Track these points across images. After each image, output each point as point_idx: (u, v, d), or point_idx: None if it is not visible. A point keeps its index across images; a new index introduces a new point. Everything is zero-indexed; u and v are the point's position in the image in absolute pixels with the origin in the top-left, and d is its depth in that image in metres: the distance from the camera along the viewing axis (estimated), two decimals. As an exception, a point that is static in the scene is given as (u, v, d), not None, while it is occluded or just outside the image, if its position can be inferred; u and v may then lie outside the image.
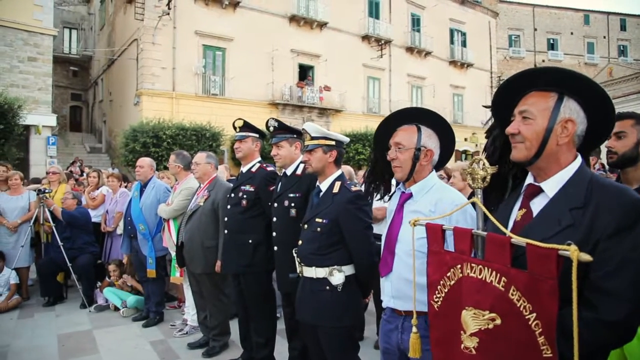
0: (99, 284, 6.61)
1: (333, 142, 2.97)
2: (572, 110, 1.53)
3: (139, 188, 5.59)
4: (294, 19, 24.62)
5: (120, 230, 6.67)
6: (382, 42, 28.10)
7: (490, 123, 1.96)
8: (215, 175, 4.71)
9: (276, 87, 23.74)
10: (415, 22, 30.38)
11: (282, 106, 23.82)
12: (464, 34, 33.22)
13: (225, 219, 4.00)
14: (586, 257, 1.16)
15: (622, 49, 49.05)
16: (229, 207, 4.00)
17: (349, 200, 2.79)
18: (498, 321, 1.39)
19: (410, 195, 2.28)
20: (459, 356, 1.52)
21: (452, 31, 32.60)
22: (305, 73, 25.48)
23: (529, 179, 1.64)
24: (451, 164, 4.34)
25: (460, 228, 1.61)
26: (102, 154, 26.80)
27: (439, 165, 2.42)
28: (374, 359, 4.07)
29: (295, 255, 2.95)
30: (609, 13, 49.49)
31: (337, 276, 2.74)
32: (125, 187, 7.56)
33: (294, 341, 3.66)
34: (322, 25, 25.51)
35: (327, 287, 2.76)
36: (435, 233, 1.70)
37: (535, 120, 1.54)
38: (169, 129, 18.28)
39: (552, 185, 1.53)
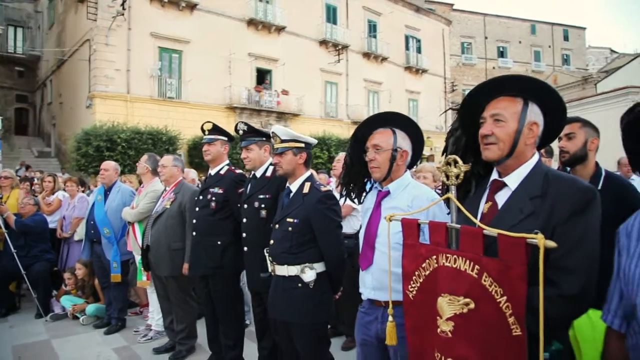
0: (54, 292, 6.37)
1: (302, 145, 3.07)
2: (536, 114, 1.71)
3: (102, 192, 5.45)
4: (252, 22, 24.53)
5: (77, 236, 6.47)
6: (340, 47, 28.40)
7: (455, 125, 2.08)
8: (181, 178, 4.68)
9: (234, 90, 23.54)
10: (372, 28, 30.90)
11: (239, 110, 23.63)
12: (418, 41, 34.03)
13: (194, 221, 4.00)
14: (551, 244, 1.31)
15: (565, 57, 51.56)
16: (197, 209, 4.01)
17: (319, 200, 2.90)
18: (472, 305, 1.51)
19: (388, 193, 2.42)
20: (436, 340, 1.63)
21: (407, 38, 33.36)
22: (263, 77, 25.42)
23: (494, 175, 1.79)
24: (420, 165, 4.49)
25: (435, 222, 1.74)
26: (52, 159, 25.79)
27: (410, 166, 2.57)
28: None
29: (267, 254, 3.02)
30: (553, 24, 51.96)
31: (309, 273, 2.84)
32: (83, 191, 7.32)
33: (263, 341, 3.70)
34: (280, 29, 25.56)
35: (300, 285, 2.85)
36: (410, 228, 1.82)
37: (507, 123, 1.68)
38: (124, 132, 17.78)
39: (514, 179, 1.69)
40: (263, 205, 3.44)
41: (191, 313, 4.66)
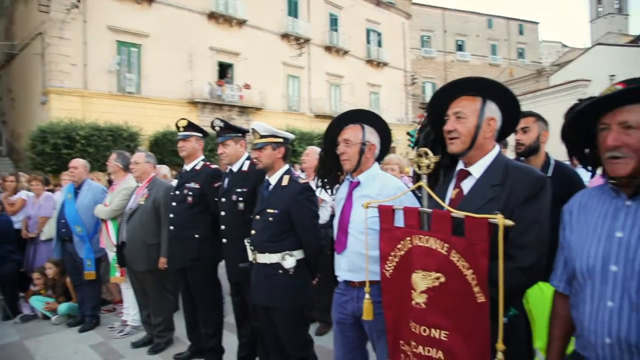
0: (21, 294, 6.25)
1: (281, 140, 3.28)
2: (493, 111, 1.95)
3: (72, 190, 5.40)
4: (212, 16, 24.26)
5: (44, 236, 6.36)
6: (302, 40, 28.46)
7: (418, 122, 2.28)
8: (154, 175, 4.71)
9: (195, 85, 23.27)
10: (333, 22, 31.09)
11: (201, 105, 23.40)
12: (379, 34, 34.48)
13: (172, 215, 4.08)
14: (509, 222, 1.55)
15: (520, 51, 53.20)
16: (174, 204, 4.08)
17: (298, 192, 3.11)
18: (443, 279, 1.74)
19: (359, 183, 2.66)
20: (411, 312, 1.85)
21: (368, 31, 33.73)
22: (225, 71, 25.21)
23: (460, 166, 2.04)
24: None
25: (409, 207, 1.95)
26: (3, 158, 24.79)
27: (379, 158, 2.82)
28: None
29: (248, 244, 3.20)
30: (509, 18, 53.43)
31: (289, 260, 3.05)
32: (52, 190, 7.17)
33: (242, 328, 3.86)
34: (241, 23, 25.37)
35: (280, 271, 3.05)
36: (386, 213, 2.02)
37: (468, 119, 1.93)
38: (82, 129, 17.33)
39: (477, 169, 1.94)
40: (241, 199, 3.58)
41: (168, 306, 4.73)
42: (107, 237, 4.97)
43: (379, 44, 34.41)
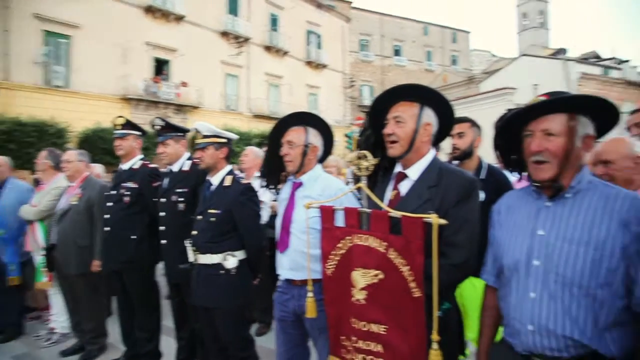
0: None
1: (224, 140, 3.28)
2: (429, 116, 2.08)
3: (-6, 189, 5.01)
4: (149, 9, 23.54)
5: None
6: (241, 39, 28.18)
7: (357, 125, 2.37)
8: (88, 174, 4.50)
9: (130, 81, 22.45)
10: (274, 22, 31.03)
11: (135, 102, 22.61)
12: (319, 36, 34.82)
13: (107, 216, 3.93)
14: (443, 221, 1.68)
15: (454, 58, 55.45)
16: (109, 204, 3.94)
17: (241, 192, 3.13)
18: (381, 276, 1.85)
19: (301, 184, 2.71)
20: (351, 308, 1.94)
21: (308, 33, 33.97)
22: (161, 67, 24.52)
23: (398, 168, 2.15)
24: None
25: (349, 207, 2.03)
26: None
27: (321, 160, 2.89)
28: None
29: (189, 245, 3.17)
30: (443, 27, 55.54)
31: (231, 261, 3.05)
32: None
33: (181, 331, 3.79)
34: (179, 18, 24.78)
35: (222, 271, 3.05)
36: (327, 213, 2.09)
37: (406, 124, 2.04)
38: (3, 123, 16.20)
39: (414, 171, 2.06)
40: (181, 199, 3.53)
41: (100, 311, 4.54)
42: (33, 239, 4.67)
43: (319, 46, 34.71)
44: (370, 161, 2.03)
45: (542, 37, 68.29)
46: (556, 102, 1.64)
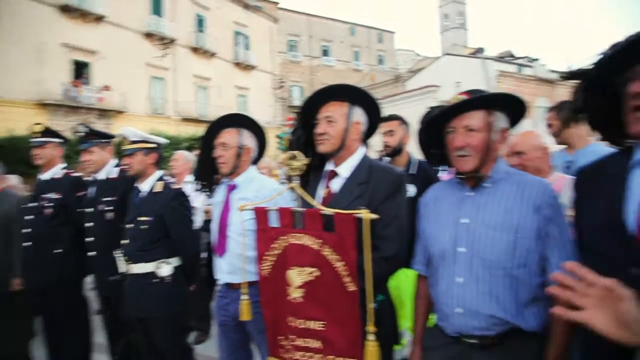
0: None
1: (153, 145, 3.19)
2: (359, 115, 2.17)
3: None
4: (66, 9, 22.27)
5: None
6: (166, 40, 27.40)
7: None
8: (4, 186, 4.22)
9: (46, 85, 21.15)
10: (200, 23, 30.40)
11: (53, 107, 21.37)
12: (247, 37, 34.50)
13: (27, 230, 3.68)
14: (373, 216, 1.76)
15: (380, 58, 56.84)
16: (29, 217, 3.71)
17: (173, 198, 3.07)
18: (317, 273, 1.89)
19: (235, 186, 2.71)
20: (288, 307, 1.97)
21: (236, 33, 33.58)
22: (81, 71, 23.30)
23: (329, 166, 2.21)
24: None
25: (283, 207, 2.05)
26: None
27: (255, 161, 2.91)
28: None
29: (120, 255, 3.08)
30: (369, 27, 56.80)
31: (165, 268, 2.98)
32: None
33: (115, 346, 3.64)
34: (99, 18, 23.67)
35: (156, 280, 2.97)
36: (261, 214, 2.10)
37: (337, 123, 2.12)
38: None
39: (345, 169, 2.14)
40: (109, 208, 3.42)
41: (24, 334, 4.21)
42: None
43: (247, 47, 34.41)
44: (301, 161, 2.07)
45: (462, 37, 71.73)
46: (476, 101, 1.77)
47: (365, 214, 1.74)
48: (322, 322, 1.89)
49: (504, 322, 1.66)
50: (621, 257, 1.26)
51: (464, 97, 1.79)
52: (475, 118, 1.77)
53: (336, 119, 2.11)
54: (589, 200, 1.48)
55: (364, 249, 1.75)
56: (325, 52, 50.86)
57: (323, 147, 2.13)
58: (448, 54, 35.39)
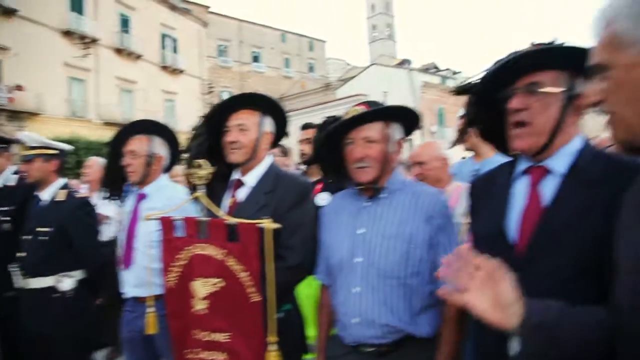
0: None
1: (55, 151, 3.03)
2: (269, 125, 2.19)
3: None
4: (-30, 2, 20.55)
5: None
6: (88, 40, 26.05)
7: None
8: None
9: (-52, 83, 19.38)
10: (125, 23, 29.16)
11: (-44, 107, 19.59)
12: (175, 40, 33.48)
13: None
14: (275, 225, 1.77)
15: (311, 66, 57.47)
16: None
17: (77, 207, 2.94)
18: (222, 283, 1.88)
19: (145, 196, 2.63)
20: (194, 319, 1.95)
21: (163, 36, 32.52)
22: (-11, 68, 21.57)
23: (236, 175, 2.21)
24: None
25: (188, 217, 2.02)
26: None
27: (168, 169, 2.84)
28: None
29: (15, 269, 2.91)
30: (300, 35, 57.24)
31: (67, 282, 2.83)
32: None
33: None
34: (9, 12, 22.01)
35: (57, 295, 2.81)
36: (167, 224, 2.06)
37: (250, 131, 2.12)
38: None
39: (252, 178, 2.15)
40: (6, 218, 3.22)
41: None
42: None
43: (175, 50, 33.42)
44: (206, 170, 2.04)
45: (391, 48, 74.25)
46: (374, 113, 1.82)
47: (267, 224, 1.76)
48: (227, 334, 1.88)
49: (399, 330, 1.72)
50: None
51: (363, 108, 1.82)
52: (374, 129, 1.82)
53: (249, 127, 2.11)
54: (478, 209, 1.57)
55: (267, 258, 1.77)
56: (255, 58, 50.64)
57: (235, 157, 2.11)
58: (375, 64, 36.38)
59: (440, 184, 2.52)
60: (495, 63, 1.46)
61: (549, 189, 1.36)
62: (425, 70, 37.80)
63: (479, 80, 1.54)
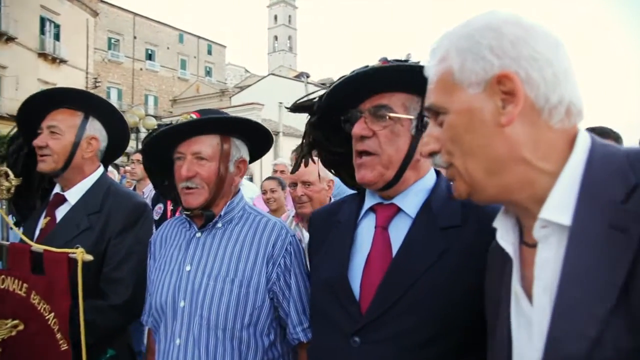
0: None
1: None
2: (96, 129, 1.80)
3: None
4: None
5: None
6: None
7: None
8: None
9: None
10: (-5, 0, 26.07)
11: None
12: (57, 26, 30.60)
13: None
14: (88, 257, 1.41)
15: (208, 70, 56.13)
16: None
17: None
18: (21, 327, 1.48)
19: None
20: None
21: (43, 20, 29.54)
22: None
23: (57, 189, 1.80)
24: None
25: None
26: None
27: None
28: None
29: None
30: (199, 37, 55.76)
31: None
32: None
33: None
34: None
35: None
36: None
37: (63, 136, 1.71)
38: None
39: (74, 194, 1.74)
40: None
41: None
42: None
43: (57, 37, 30.56)
44: (11, 181, 1.65)
45: (290, 60, 75.23)
46: (207, 123, 1.49)
47: (79, 254, 1.40)
48: None
49: None
50: (345, 323, 1.10)
51: (194, 116, 1.48)
52: (207, 144, 1.49)
53: (62, 131, 1.72)
54: (319, 248, 1.32)
55: (79, 296, 1.41)
56: (150, 56, 48.23)
57: (42, 165, 1.70)
58: (273, 74, 36.47)
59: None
60: (340, 78, 1.23)
61: (399, 232, 1.15)
62: (322, 84, 38.49)
63: (316, 100, 1.33)
